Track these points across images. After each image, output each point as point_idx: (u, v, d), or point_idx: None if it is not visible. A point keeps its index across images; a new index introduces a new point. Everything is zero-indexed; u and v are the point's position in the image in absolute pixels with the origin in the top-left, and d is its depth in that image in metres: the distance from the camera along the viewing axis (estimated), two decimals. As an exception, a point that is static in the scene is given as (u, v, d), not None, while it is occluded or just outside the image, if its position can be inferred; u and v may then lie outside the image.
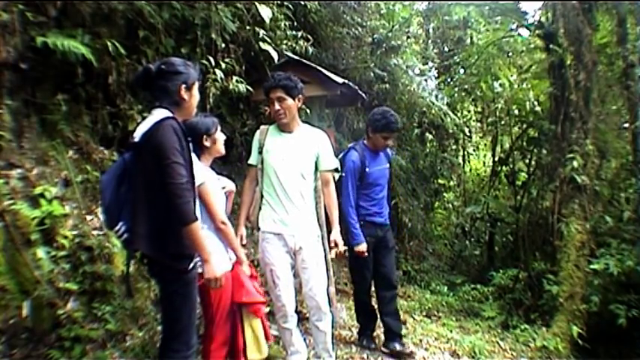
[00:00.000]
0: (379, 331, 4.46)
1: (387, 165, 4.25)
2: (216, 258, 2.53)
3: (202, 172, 2.83)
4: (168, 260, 2.36)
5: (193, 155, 2.66)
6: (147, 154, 2.29)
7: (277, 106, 3.21)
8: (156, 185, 2.23)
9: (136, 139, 2.34)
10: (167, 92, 2.40)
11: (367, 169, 4.03)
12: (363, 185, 4.06)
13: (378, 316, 4.29)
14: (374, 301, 4.33)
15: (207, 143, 2.94)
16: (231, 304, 2.89)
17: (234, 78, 4.31)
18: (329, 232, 3.54)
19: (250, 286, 2.91)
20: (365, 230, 4.01)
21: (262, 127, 3.44)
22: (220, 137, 3.03)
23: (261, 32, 4.55)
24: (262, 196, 3.35)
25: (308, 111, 4.55)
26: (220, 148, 3.04)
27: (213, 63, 4.20)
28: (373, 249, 4.09)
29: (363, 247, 3.92)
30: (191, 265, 2.36)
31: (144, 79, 2.43)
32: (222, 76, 4.19)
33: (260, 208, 3.36)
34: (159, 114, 2.34)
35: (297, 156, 3.30)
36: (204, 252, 2.32)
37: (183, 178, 2.23)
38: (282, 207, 3.26)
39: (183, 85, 2.41)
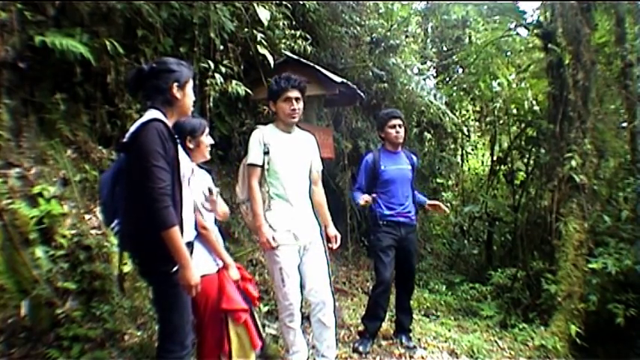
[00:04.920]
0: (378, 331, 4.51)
1: (409, 167, 4.32)
2: (195, 264, 2.50)
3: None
4: (151, 261, 2.36)
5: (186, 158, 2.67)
6: (132, 155, 2.29)
7: (295, 106, 3.31)
8: (139, 187, 2.22)
9: (125, 140, 2.34)
10: (159, 91, 2.39)
11: (382, 167, 4.22)
12: (379, 184, 4.23)
13: (384, 320, 4.42)
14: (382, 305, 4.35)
15: (190, 145, 2.85)
16: (219, 310, 2.87)
17: (234, 81, 4.30)
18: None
19: (233, 293, 2.85)
20: (386, 229, 4.21)
21: (260, 127, 3.44)
22: (206, 141, 2.92)
23: (259, 36, 4.53)
24: (269, 197, 3.32)
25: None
26: (204, 153, 2.93)
27: (212, 66, 4.20)
28: (396, 247, 4.24)
29: (363, 198, 4.10)
30: (175, 267, 2.32)
31: (136, 79, 2.43)
32: (222, 80, 4.19)
33: (269, 208, 3.33)
34: (149, 115, 2.33)
35: (300, 156, 3.42)
36: (181, 258, 2.27)
37: (163, 182, 2.21)
38: (291, 206, 3.32)
39: (176, 84, 2.39)
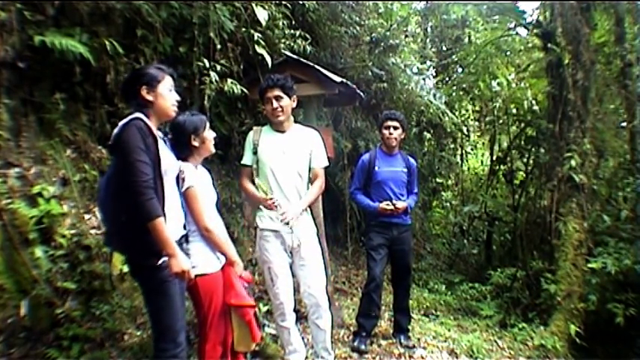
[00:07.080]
0: (376, 330, 4.53)
1: (403, 169, 4.35)
2: (195, 262, 2.59)
3: (191, 174, 2.79)
4: (137, 257, 2.42)
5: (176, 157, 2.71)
6: (117, 154, 2.39)
7: (275, 104, 3.27)
8: (123, 184, 2.29)
9: (110, 142, 2.44)
10: (131, 96, 2.49)
11: (376, 168, 4.28)
12: (372, 184, 4.30)
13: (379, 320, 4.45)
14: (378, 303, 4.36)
15: (195, 143, 2.86)
16: (224, 305, 2.87)
17: (229, 80, 4.30)
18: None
19: (241, 289, 2.87)
20: (378, 229, 4.28)
21: (255, 128, 3.45)
22: (209, 136, 2.93)
23: (256, 35, 4.53)
24: None
25: (301, 112, 4.54)
26: (210, 147, 2.95)
27: (208, 65, 4.19)
28: (389, 247, 4.30)
29: (383, 205, 4.16)
30: (160, 261, 2.36)
31: (121, 92, 2.59)
32: (217, 78, 4.19)
33: (258, 208, 3.37)
34: (130, 116, 2.42)
35: (293, 154, 3.34)
36: (168, 247, 2.33)
37: (147, 175, 2.28)
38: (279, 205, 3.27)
39: (144, 87, 2.46)
